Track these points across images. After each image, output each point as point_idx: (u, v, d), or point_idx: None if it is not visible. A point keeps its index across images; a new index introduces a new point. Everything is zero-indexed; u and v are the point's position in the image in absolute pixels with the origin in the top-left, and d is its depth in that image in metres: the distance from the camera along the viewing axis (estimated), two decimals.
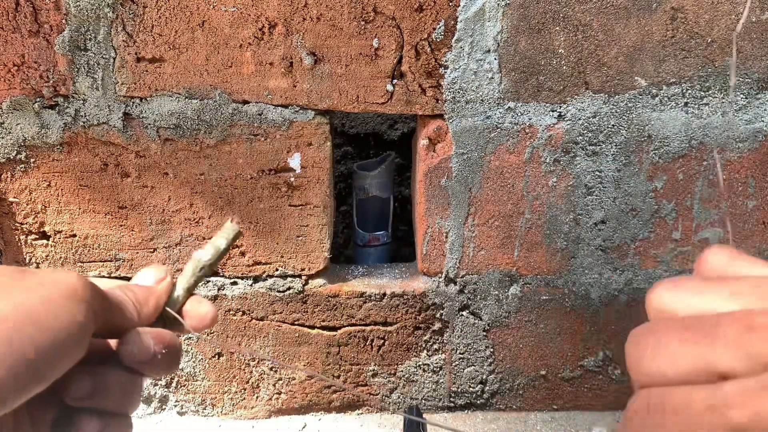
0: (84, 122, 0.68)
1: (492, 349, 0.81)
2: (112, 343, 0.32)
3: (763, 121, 0.70)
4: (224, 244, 0.37)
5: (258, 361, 0.81)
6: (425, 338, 0.80)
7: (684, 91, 0.68)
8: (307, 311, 0.78)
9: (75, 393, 0.29)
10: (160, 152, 0.70)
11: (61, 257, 0.74)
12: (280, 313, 0.78)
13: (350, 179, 0.95)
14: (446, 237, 0.75)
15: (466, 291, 0.78)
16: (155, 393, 0.82)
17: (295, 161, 0.71)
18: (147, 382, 0.81)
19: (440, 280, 0.77)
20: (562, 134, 0.70)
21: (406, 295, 0.77)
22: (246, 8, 0.64)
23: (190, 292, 0.36)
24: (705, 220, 0.74)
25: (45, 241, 0.74)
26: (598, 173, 0.72)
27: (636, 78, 0.68)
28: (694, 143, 0.70)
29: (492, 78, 0.67)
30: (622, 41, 0.66)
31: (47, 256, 0.74)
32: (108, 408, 0.30)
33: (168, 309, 0.34)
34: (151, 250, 0.75)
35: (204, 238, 0.74)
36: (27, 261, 0.74)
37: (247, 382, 0.82)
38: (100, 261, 0.75)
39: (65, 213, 0.72)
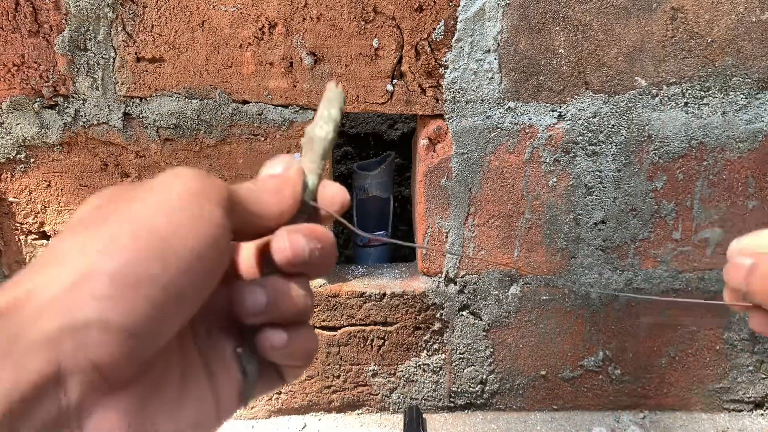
0: (84, 122, 0.68)
1: (492, 349, 0.81)
2: (246, 253, 0.28)
3: (762, 121, 0.70)
4: (338, 114, 0.32)
5: None
6: (425, 338, 0.80)
7: (684, 91, 0.68)
8: None
9: (251, 308, 0.25)
10: (160, 152, 0.70)
11: None
12: None
13: (350, 179, 0.95)
14: (446, 237, 0.75)
15: (466, 291, 0.77)
16: None
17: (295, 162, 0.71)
18: None
19: (440, 280, 0.77)
20: (562, 134, 0.70)
21: (406, 295, 0.77)
22: (246, 8, 0.64)
23: (320, 176, 0.31)
24: (705, 220, 0.74)
25: (45, 241, 0.74)
26: (598, 173, 0.72)
27: (636, 78, 0.68)
28: (694, 143, 0.70)
29: (492, 78, 0.67)
30: (622, 41, 0.66)
31: None
32: (287, 317, 0.27)
33: (306, 200, 0.29)
34: None
35: None
36: (27, 261, 0.74)
37: None
38: None
39: (65, 213, 0.72)
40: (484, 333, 0.80)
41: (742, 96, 0.69)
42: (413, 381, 0.82)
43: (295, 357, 0.27)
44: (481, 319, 0.79)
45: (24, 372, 0.19)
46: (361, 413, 0.85)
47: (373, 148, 1.14)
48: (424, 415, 0.83)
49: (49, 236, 0.73)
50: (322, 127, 0.32)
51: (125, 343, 0.21)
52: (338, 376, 0.82)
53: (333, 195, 0.30)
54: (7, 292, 0.22)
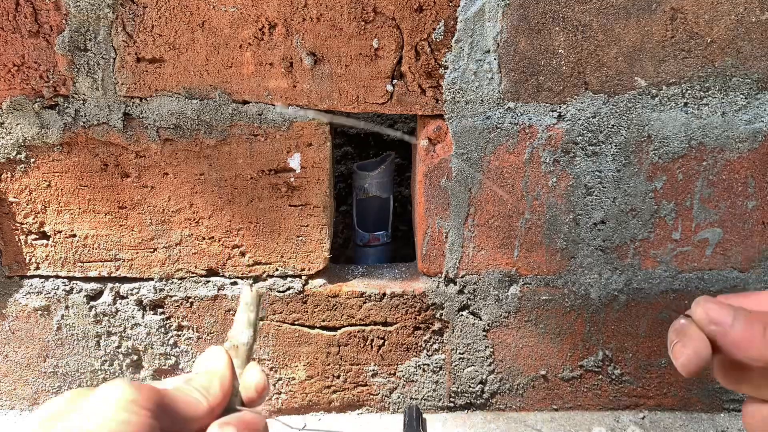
0: (84, 122, 0.68)
1: (492, 349, 0.81)
2: None
3: (762, 121, 0.70)
4: (256, 317, 0.35)
5: (258, 361, 0.81)
6: (425, 338, 0.80)
7: (684, 91, 0.68)
8: (307, 311, 0.78)
9: None
10: (160, 152, 0.70)
11: (61, 257, 0.74)
12: (280, 313, 0.78)
13: (350, 179, 0.95)
14: (446, 237, 0.75)
15: (465, 291, 0.78)
16: None
17: (295, 161, 0.71)
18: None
19: (440, 280, 0.77)
20: (561, 134, 0.70)
21: (406, 295, 0.78)
22: (246, 8, 0.64)
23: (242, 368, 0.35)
24: (705, 220, 0.74)
25: (45, 241, 0.74)
26: (597, 173, 0.72)
27: (636, 78, 0.68)
28: (694, 143, 0.70)
29: (492, 78, 0.67)
30: (621, 41, 0.66)
31: (47, 256, 0.74)
32: None
33: (233, 397, 0.33)
34: (151, 250, 0.75)
35: (204, 238, 0.74)
36: (27, 261, 0.74)
37: None
38: (100, 261, 0.75)
39: (65, 213, 0.72)
40: (484, 333, 0.80)
41: (741, 96, 0.69)
42: (413, 381, 0.83)
43: None
44: (480, 319, 0.79)
45: None
46: (361, 413, 0.85)
47: (373, 148, 1.14)
48: (424, 415, 0.83)
49: (49, 236, 0.73)
50: (243, 332, 0.35)
51: None
52: (338, 376, 0.82)
53: (254, 382, 0.34)
54: None
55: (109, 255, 0.75)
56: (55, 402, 0.29)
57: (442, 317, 0.79)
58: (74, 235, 0.73)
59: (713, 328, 0.31)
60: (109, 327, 0.78)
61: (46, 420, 0.28)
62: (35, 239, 0.74)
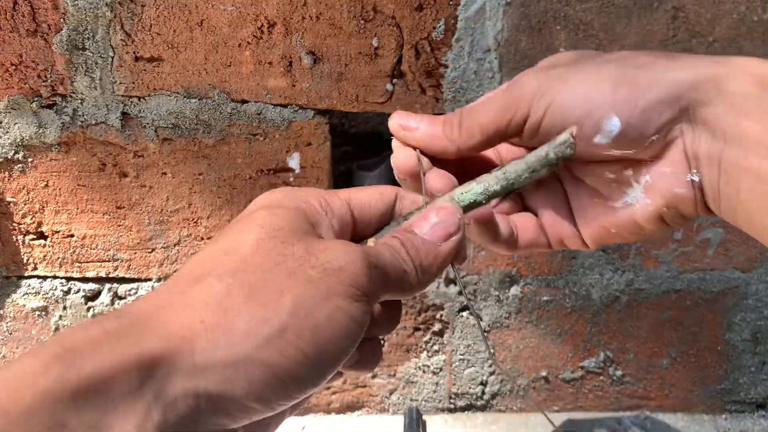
0: (82, 122, 0.68)
1: (492, 350, 0.80)
2: None
3: None
4: (553, 157, 0.33)
5: None
6: (425, 339, 0.80)
7: None
8: None
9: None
10: (159, 152, 0.70)
11: (58, 257, 0.74)
12: None
13: (350, 179, 0.95)
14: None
15: (466, 291, 0.77)
16: None
17: (294, 161, 0.71)
18: None
19: (440, 280, 0.77)
20: None
21: None
22: (245, 7, 0.64)
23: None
24: (706, 220, 0.74)
25: (43, 241, 0.73)
26: None
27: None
28: None
29: (492, 77, 0.67)
30: (623, 41, 0.66)
31: (45, 256, 0.74)
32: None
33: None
34: (150, 250, 0.74)
35: (202, 239, 0.74)
36: (24, 261, 0.74)
37: None
38: (98, 261, 0.74)
39: (63, 213, 0.72)
40: (485, 334, 0.79)
41: None
42: (413, 382, 0.82)
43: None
44: (481, 320, 0.79)
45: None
46: (361, 414, 0.84)
47: (373, 147, 1.13)
48: (424, 417, 0.83)
49: (47, 236, 0.73)
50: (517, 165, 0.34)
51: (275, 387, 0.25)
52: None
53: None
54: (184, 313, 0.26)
55: (107, 255, 0.74)
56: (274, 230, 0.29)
57: (443, 318, 0.78)
58: (72, 235, 0.73)
59: (403, 133, 0.37)
60: None
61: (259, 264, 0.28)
62: (33, 239, 0.73)
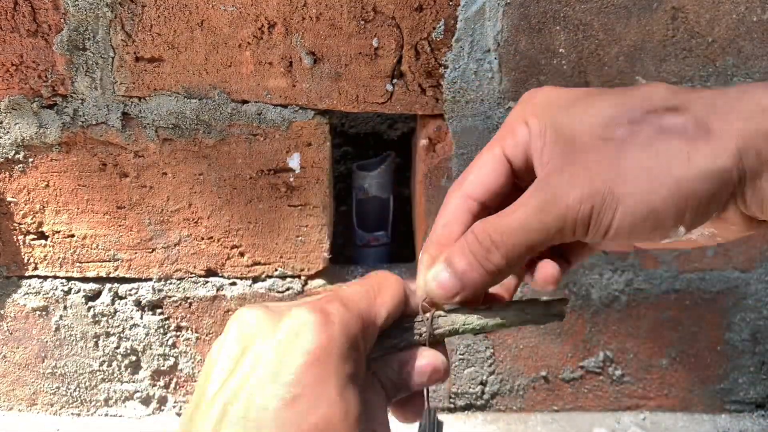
0: (82, 122, 0.68)
1: (492, 350, 0.80)
2: None
3: None
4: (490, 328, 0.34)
5: None
6: None
7: None
8: None
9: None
10: (159, 152, 0.70)
11: (59, 257, 0.74)
12: None
13: (350, 179, 0.95)
14: None
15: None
16: (154, 394, 0.82)
17: (294, 161, 0.71)
18: (146, 384, 0.81)
19: None
20: None
21: None
22: (245, 8, 0.64)
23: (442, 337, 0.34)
24: None
25: (43, 242, 0.73)
26: None
27: (637, 77, 0.68)
28: None
29: (492, 78, 0.67)
30: (622, 41, 0.66)
31: (45, 256, 0.74)
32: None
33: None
34: (150, 250, 0.74)
35: (202, 239, 0.74)
36: (25, 261, 0.74)
37: None
38: (99, 261, 0.74)
39: (63, 213, 0.72)
40: (485, 334, 0.79)
41: None
42: None
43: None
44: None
45: None
46: None
47: (373, 148, 1.13)
48: (440, 417, 0.83)
49: (48, 236, 0.73)
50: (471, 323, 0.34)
51: None
52: None
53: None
54: None
55: (108, 255, 0.74)
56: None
57: None
58: (72, 235, 0.73)
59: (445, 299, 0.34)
60: (108, 327, 0.78)
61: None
62: (33, 239, 0.73)
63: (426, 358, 0.32)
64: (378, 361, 0.32)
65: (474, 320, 0.33)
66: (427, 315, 0.33)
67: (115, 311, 0.77)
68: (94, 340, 0.78)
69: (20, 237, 0.73)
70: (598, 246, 0.36)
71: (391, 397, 0.32)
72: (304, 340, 0.27)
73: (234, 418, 0.26)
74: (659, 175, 0.28)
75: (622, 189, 0.29)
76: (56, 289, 0.76)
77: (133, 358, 0.80)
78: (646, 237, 0.30)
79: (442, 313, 0.34)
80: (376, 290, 0.32)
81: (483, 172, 0.34)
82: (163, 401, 0.82)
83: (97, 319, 0.77)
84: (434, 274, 0.33)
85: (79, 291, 0.76)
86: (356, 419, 0.27)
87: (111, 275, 0.75)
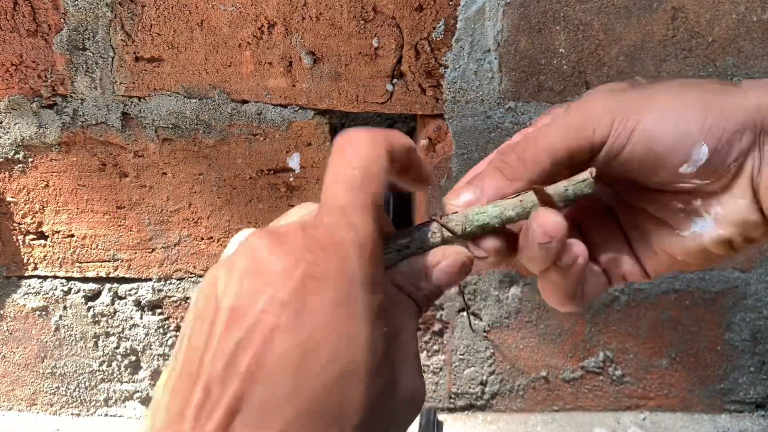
0: (82, 122, 0.68)
1: (492, 350, 0.80)
2: None
3: None
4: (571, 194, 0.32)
5: None
6: (425, 339, 0.80)
7: None
8: None
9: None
10: (159, 152, 0.70)
11: (59, 257, 0.74)
12: None
13: None
14: None
15: (466, 291, 0.77)
16: (153, 394, 0.82)
17: (294, 161, 0.71)
18: (146, 384, 0.81)
19: None
20: None
21: None
22: (245, 7, 0.64)
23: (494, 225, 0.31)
24: None
25: (43, 241, 0.73)
26: None
27: (637, 78, 0.68)
28: None
29: (492, 77, 0.67)
30: (622, 41, 0.66)
31: (45, 256, 0.74)
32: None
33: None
34: (150, 250, 0.74)
35: (202, 239, 0.74)
36: (25, 261, 0.74)
37: None
38: (98, 261, 0.74)
39: (63, 213, 0.72)
40: (485, 334, 0.79)
41: None
42: None
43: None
44: (481, 320, 0.79)
45: None
46: None
47: None
48: (440, 418, 0.83)
49: (47, 236, 0.73)
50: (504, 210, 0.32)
51: None
52: None
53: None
54: None
55: (108, 255, 0.74)
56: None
57: (442, 318, 0.78)
58: (72, 235, 0.73)
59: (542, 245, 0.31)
60: (108, 328, 0.78)
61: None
62: (33, 239, 0.73)
63: (451, 250, 0.30)
64: (397, 270, 0.29)
65: (488, 208, 0.31)
66: (437, 212, 0.32)
67: (115, 311, 0.77)
68: (94, 340, 0.78)
69: (20, 237, 0.73)
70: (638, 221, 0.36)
71: (423, 308, 0.29)
72: (327, 283, 0.23)
73: (244, 366, 0.22)
74: (692, 95, 0.30)
75: (654, 100, 0.31)
76: (56, 289, 0.76)
77: (133, 358, 0.80)
78: (667, 147, 0.30)
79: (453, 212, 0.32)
80: (366, 167, 0.26)
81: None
82: None
83: (96, 319, 0.77)
84: (457, 195, 0.32)
85: (78, 291, 0.76)
86: (381, 363, 0.24)
87: (111, 275, 0.75)
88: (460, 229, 0.31)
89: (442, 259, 0.29)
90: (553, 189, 0.32)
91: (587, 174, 0.32)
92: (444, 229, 0.30)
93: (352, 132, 0.27)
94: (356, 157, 0.26)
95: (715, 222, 0.33)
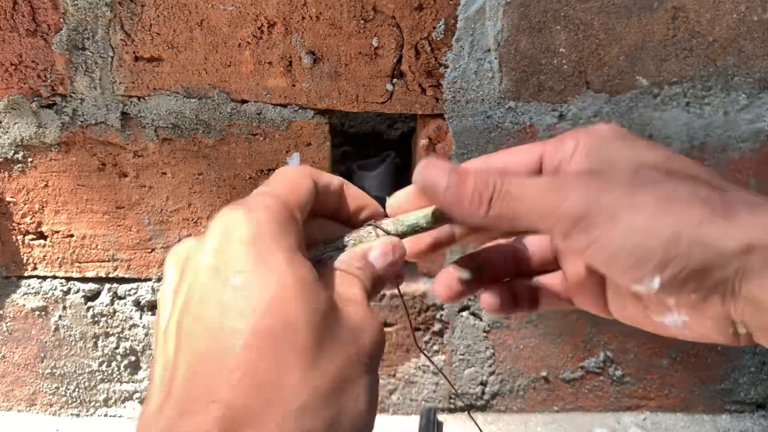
0: (82, 122, 0.68)
1: (492, 350, 0.80)
2: None
3: (764, 120, 0.69)
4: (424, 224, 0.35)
5: None
6: (425, 339, 0.80)
7: (685, 90, 0.68)
8: None
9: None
10: (159, 152, 0.70)
11: (58, 257, 0.74)
12: None
13: (350, 179, 0.95)
14: None
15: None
16: None
17: (294, 161, 0.71)
18: (146, 384, 0.81)
19: None
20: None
21: (406, 296, 0.77)
22: (245, 7, 0.64)
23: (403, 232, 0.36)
24: None
25: (42, 241, 0.73)
26: None
27: (637, 77, 0.68)
28: (696, 143, 0.70)
29: (492, 77, 0.67)
30: (623, 40, 0.66)
31: (44, 256, 0.74)
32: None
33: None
34: (149, 250, 0.74)
35: None
36: (24, 261, 0.74)
37: None
38: (98, 261, 0.74)
39: (63, 213, 0.72)
40: (485, 334, 0.79)
41: (744, 96, 0.68)
42: (413, 382, 0.82)
43: None
44: (481, 320, 0.79)
45: None
46: None
47: (373, 147, 1.13)
48: (440, 418, 0.83)
49: (47, 236, 0.73)
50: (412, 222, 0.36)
51: None
52: None
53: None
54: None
55: (107, 255, 0.74)
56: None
57: (443, 318, 0.78)
58: (72, 235, 0.73)
59: (429, 192, 0.34)
60: (107, 328, 0.78)
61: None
62: (33, 239, 0.73)
63: (384, 238, 0.34)
64: (337, 259, 0.33)
65: (411, 216, 0.36)
66: (373, 220, 0.36)
67: (115, 311, 0.77)
68: (94, 340, 0.78)
69: (19, 237, 0.73)
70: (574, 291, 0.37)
71: (367, 284, 0.31)
72: (235, 232, 0.27)
73: (191, 326, 0.26)
74: (665, 221, 0.28)
75: (624, 215, 0.28)
76: (55, 289, 0.76)
77: (133, 358, 0.79)
78: (622, 268, 0.29)
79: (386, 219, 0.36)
80: (285, 177, 0.33)
81: (512, 153, 0.35)
82: None
83: (96, 319, 0.77)
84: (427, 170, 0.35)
85: (78, 291, 0.76)
86: (314, 282, 0.26)
87: (110, 275, 0.75)
88: (392, 229, 0.35)
89: (376, 243, 0.33)
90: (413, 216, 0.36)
91: (428, 210, 0.35)
92: (378, 229, 0.35)
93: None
94: (281, 175, 0.33)
95: (684, 326, 0.32)
